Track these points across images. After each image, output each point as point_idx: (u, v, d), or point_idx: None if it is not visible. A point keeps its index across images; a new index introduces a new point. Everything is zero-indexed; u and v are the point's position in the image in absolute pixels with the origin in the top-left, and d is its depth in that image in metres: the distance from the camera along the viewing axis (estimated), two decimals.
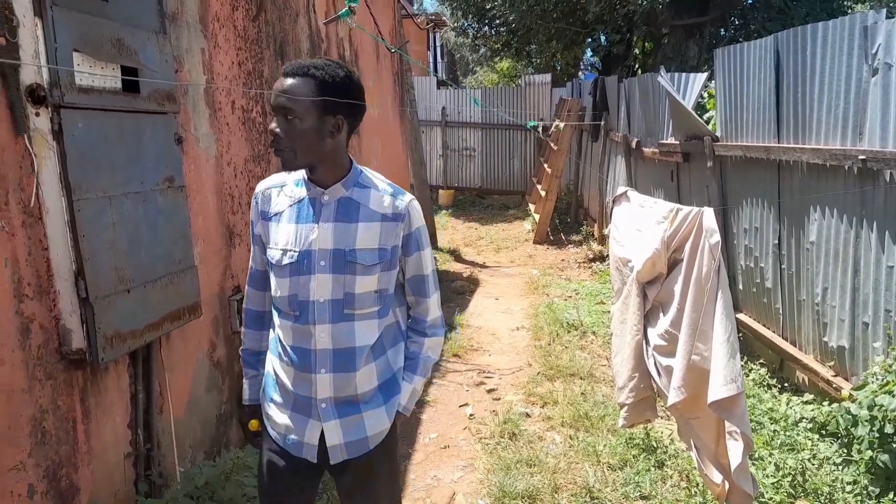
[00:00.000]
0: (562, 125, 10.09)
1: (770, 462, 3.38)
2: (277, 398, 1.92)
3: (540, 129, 10.43)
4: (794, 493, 3.18)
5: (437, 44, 25.58)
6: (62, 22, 2.20)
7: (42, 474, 2.28)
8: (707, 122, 5.49)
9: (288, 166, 1.79)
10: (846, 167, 3.54)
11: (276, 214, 1.86)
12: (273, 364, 1.94)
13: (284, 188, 1.88)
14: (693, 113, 5.44)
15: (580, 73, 17.27)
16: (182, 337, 3.12)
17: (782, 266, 4.36)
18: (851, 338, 3.65)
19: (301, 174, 1.87)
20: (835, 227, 3.74)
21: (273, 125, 1.75)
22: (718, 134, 5.16)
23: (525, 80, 14.52)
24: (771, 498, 3.15)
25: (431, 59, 23.02)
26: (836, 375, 3.78)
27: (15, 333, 2.15)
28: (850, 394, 3.45)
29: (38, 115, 2.18)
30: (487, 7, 13.49)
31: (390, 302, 1.93)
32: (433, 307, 2.03)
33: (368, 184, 1.88)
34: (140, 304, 2.61)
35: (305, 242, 1.79)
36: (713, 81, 5.48)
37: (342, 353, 1.81)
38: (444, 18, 20.45)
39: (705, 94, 6.03)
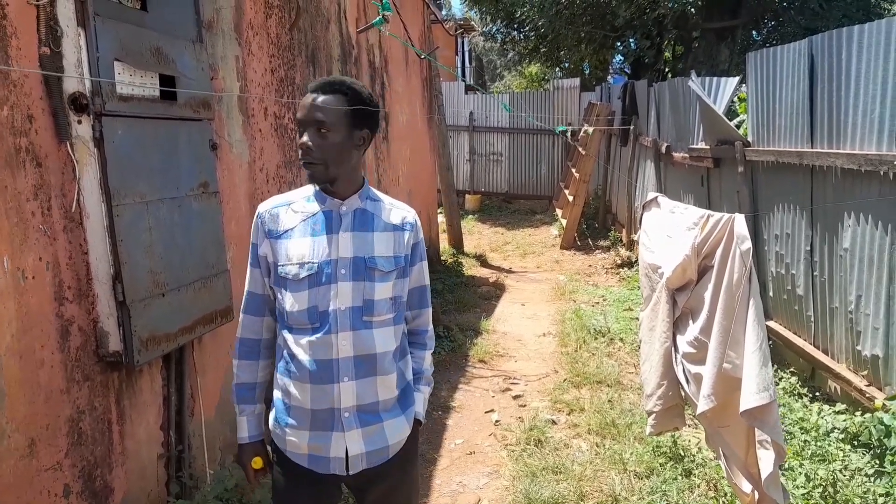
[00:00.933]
0: (591, 130, 10.05)
1: (801, 472, 3.33)
2: (293, 421, 1.88)
3: (569, 134, 10.40)
4: None
5: (466, 48, 25.62)
6: (104, 32, 2.26)
7: (78, 474, 2.34)
8: (737, 127, 5.43)
9: (317, 179, 1.84)
10: (882, 172, 3.48)
11: (286, 231, 1.86)
12: (284, 387, 1.90)
13: (292, 205, 1.89)
14: (724, 118, 5.39)
15: (609, 77, 17.18)
16: (213, 340, 3.17)
17: (814, 273, 4.30)
18: (886, 346, 3.58)
19: (310, 191, 1.91)
20: (869, 234, 3.68)
21: (305, 139, 1.80)
22: (750, 139, 5.11)
23: (553, 85, 14.50)
24: None
25: (459, 64, 23.06)
26: (869, 385, 3.71)
27: (55, 335, 2.22)
28: (884, 404, 3.39)
29: (80, 122, 2.24)
30: (516, 12, 13.49)
31: (403, 311, 1.99)
32: (430, 318, 2.13)
33: (378, 198, 1.97)
34: (174, 308, 2.67)
35: (324, 253, 1.82)
36: (744, 86, 5.42)
37: (364, 360, 1.85)
38: (472, 23, 20.49)
39: (735, 99, 5.96)
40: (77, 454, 2.33)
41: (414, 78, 7.87)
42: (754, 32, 13.22)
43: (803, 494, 3.18)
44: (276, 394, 1.93)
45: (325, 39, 4.64)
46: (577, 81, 13.96)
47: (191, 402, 3.02)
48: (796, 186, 4.45)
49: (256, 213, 1.91)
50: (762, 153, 4.82)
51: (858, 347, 3.83)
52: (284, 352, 1.89)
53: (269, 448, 2.03)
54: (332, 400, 1.83)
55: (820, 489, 3.19)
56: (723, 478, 3.42)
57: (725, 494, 3.32)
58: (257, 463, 1.99)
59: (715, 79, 6.11)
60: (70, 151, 2.26)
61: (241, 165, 3.44)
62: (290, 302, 1.83)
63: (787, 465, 3.40)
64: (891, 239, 3.50)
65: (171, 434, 2.87)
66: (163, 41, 2.62)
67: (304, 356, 1.83)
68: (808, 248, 4.34)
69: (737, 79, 5.93)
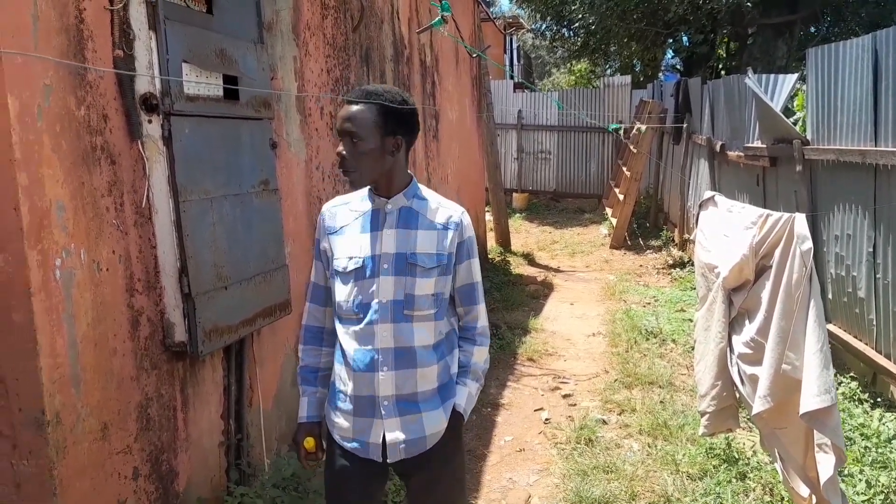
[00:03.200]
0: (643, 127, 9.92)
1: (861, 479, 3.25)
2: (341, 405, 2.00)
3: (621, 132, 10.29)
4: None
5: (514, 46, 25.55)
6: (173, 35, 2.35)
7: (146, 458, 2.44)
8: (793, 125, 5.31)
9: (355, 184, 1.96)
10: None
11: (340, 228, 2.00)
12: (337, 373, 2.02)
13: (349, 204, 2.03)
14: (782, 116, 5.27)
15: (660, 74, 16.90)
16: (272, 332, 3.26)
17: (877, 275, 4.18)
18: None
19: (366, 191, 2.02)
20: None
21: (340, 148, 1.91)
22: (809, 137, 4.98)
23: (604, 82, 14.35)
24: None
25: (508, 62, 23.02)
26: None
27: (126, 325, 2.32)
28: None
29: (150, 122, 2.34)
30: (566, 9, 13.38)
31: (445, 307, 2.04)
32: (482, 314, 2.14)
33: (425, 197, 2.04)
34: (235, 301, 2.75)
35: (370, 249, 1.94)
36: (803, 83, 5.28)
37: (402, 352, 1.93)
38: (521, 21, 20.43)
39: (793, 96, 5.82)
40: (145, 439, 2.43)
41: (464, 76, 7.90)
42: (813, 28, 12.83)
43: (864, 501, 3.11)
44: (332, 378, 2.06)
45: (379, 40, 4.71)
46: (628, 79, 13.80)
47: (249, 393, 3.11)
48: (858, 186, 4.33)
49: (321, 212, 2.06)
50: (822, 151, 4.70)
51: None
52: (338, 340, 2.01)
53: (323, 433, 2.12)
54: (372, 388, 1.94)
55: (882, 496, 3.11)
56: (779, 482, 3.36)
57: (782, 500, 3.26)
58: (309, 443, 2.07)
59: (772, 76, 5.98)
60: (141, 149, 2.36)
61: (299, 164, 3.53)
62: (340, 293, 1.97)
63: (847, 472, 3.32)
64: None
65: (230, 423, 2.96)
66: (226, 43, 2.71)
67: (349, 345, 1.95)
68: (871, 249, 4.22)
69: (795, 76, 5.79)
